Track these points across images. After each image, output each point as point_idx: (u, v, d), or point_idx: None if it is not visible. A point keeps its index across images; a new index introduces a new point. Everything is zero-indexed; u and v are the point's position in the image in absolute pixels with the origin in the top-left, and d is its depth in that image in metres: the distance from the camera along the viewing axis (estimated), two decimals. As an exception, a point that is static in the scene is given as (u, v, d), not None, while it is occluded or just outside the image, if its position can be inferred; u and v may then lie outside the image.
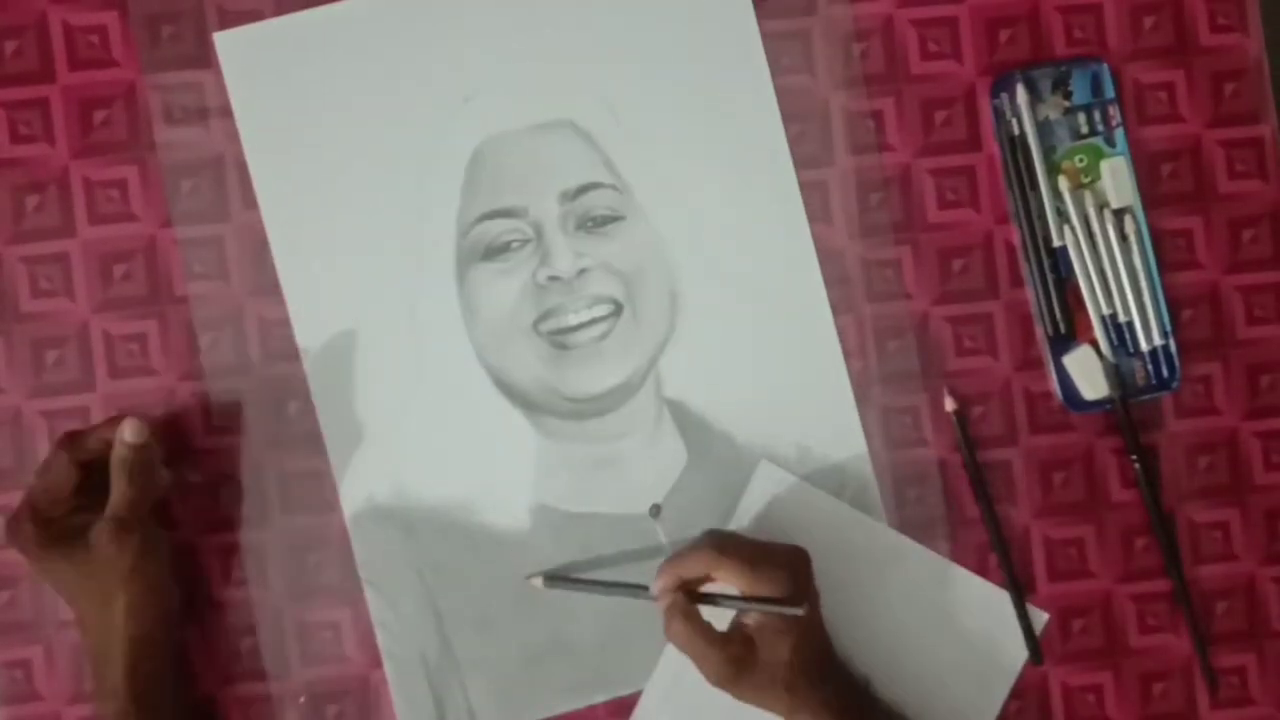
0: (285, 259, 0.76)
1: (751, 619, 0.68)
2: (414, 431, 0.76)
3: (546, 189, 0.76)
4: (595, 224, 0.76)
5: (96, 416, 0.75)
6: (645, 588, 0.71)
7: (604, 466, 0.77)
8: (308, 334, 0.76)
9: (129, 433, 0.69)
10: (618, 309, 0.76)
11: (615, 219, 0.76)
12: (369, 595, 0.75)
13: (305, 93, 0.76)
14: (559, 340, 0.76)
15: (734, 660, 0.67)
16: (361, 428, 0.76)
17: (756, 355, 0.77)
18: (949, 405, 0.76)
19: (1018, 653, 0.76)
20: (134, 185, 0.76)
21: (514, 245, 0.76)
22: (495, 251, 0.76)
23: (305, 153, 0.76)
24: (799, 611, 0.67)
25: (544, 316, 0.76)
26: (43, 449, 0.75)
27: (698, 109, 0.77)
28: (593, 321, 0.76)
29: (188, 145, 0.76)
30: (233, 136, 0.76)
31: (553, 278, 0.76)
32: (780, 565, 0.68)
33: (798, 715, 0.68)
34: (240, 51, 0.76)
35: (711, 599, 0.69)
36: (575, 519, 0.76)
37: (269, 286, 0.76)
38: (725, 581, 0.68)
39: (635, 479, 0.76)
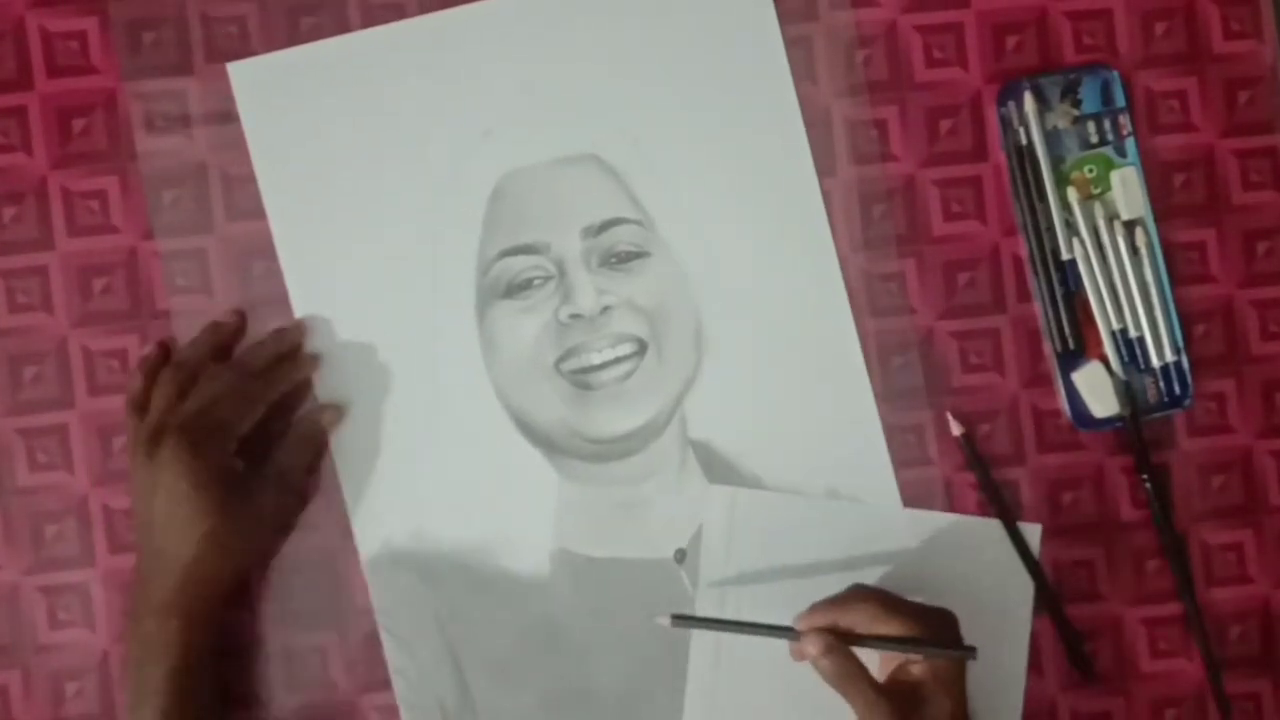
0: (302, 296, 0.74)
1: (917, 670, 0.65)
2: (432, 473, 0.74)
3: (569, 225, 0.74)
4: (619, 260, 0.74)
5: (75, 435, 0.73)
6: (790, 629, 0.66)
7: (627, 510, 0.74)
8: (325, 371, 0.74)
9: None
10: (642, 348, 0.74)
11: (639, 255, 0.74)
12: (385, 642, 0.73)
13: (321, 126, 0.74)
14: (581, 380, 0.74)
15: (899, 711, 0.64)
16: (378, 469, 0.73)
17: (784, 396, 0.74)
18: (955, 429, 0.74)
19: (1024, 584, 0.74)
20: (114, 196, 0.74)
21: (535, 282, 0.74)
22: (516, 289, 0.74)
23: (321, 188, 0.74)
24: (971, 656, 0.64)
25: (566, 355, 0.74)
26: (20, 468, 0.73)
27: (724, 142, 0.75)
28: (616, 361, 0.74)
29: (169, 155, 0.74)
30: (216, 146, 0.74)
31: (575, 316, 0.73)
32: (936, 623, 0.65)
33: None
34: (255, 83, 0.74)
35: (874, 642, 0.65)
36: (597, 564, 0.74)
37: (254, 300, 0.74)
38: (893, 633, 0.64)
39: (659, 523, 0.74)
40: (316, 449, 0.73)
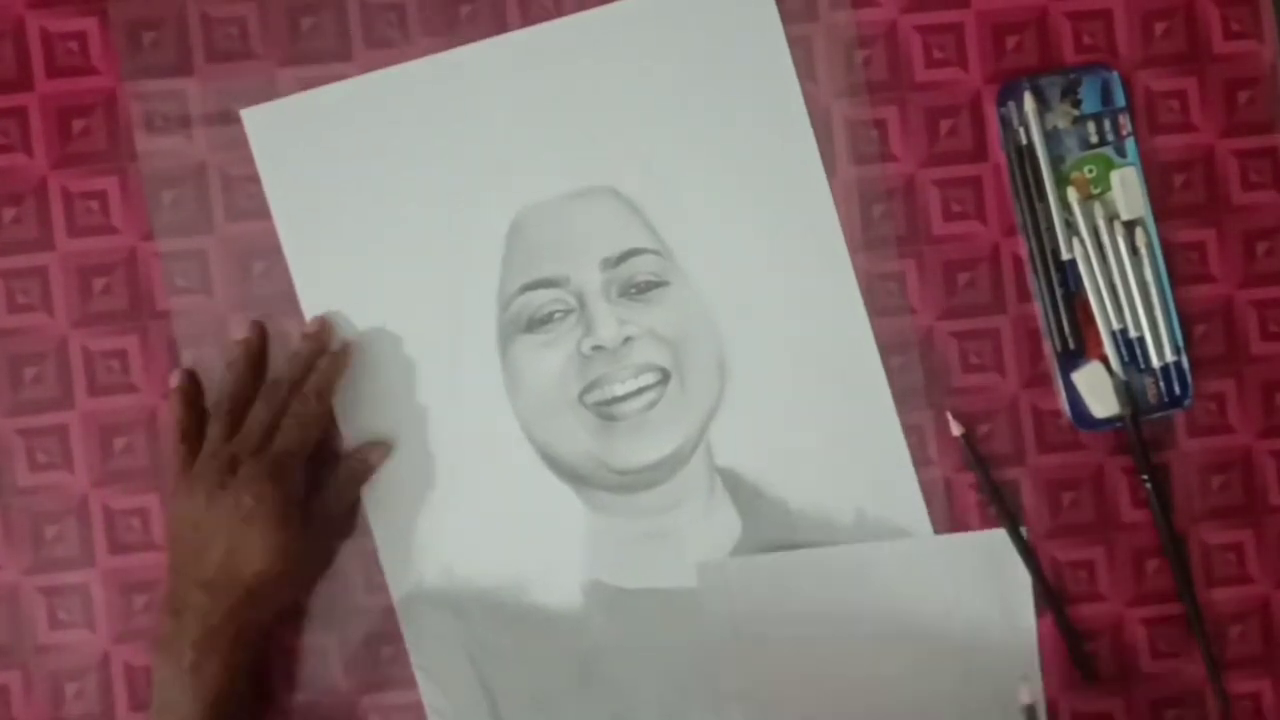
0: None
1: None
2: (461, 510, 0.74)
3: (588, 257, 0.74)
4: (639, 291, 0.74)
5: (76, 436, 0.73)
6: None
7: (656, 540, 0.74)
8: (352, 412, 0.73)
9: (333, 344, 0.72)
10: (665, 377, 0.74)
11: (659, 285, 0.74)
12: (420, 681, 0.73)
13: (336, 167, 0.74)
14: (606, 411, 0.74)
15: None
16: (407, 507, 0.73)
17: (809, 419, 0.74)
18: (955, 430, 0.74)
19: (1025, 589, 0.74)
20: (114, 196, 0.74)
21: (556, 316, 0.74)
22: (538, 323, 0.74)
23: (339, 229, 0.74)
24: None
25: (589, 387, 0.73)
26: (20, 468, 0.73)
27: (739, 169, 0.75)
28: (640, 391, 0.74)
29: (169, 155, 0.74)
30: (216, 146, 0.74)
31: (597, 347, 0.73)
32: None
33: None
34: (269, 126, 0.74)
35: None
36: (629, 595, 0.74)
37: (253, 300, 0.74)
38: None
39: (689, 551, 0.74)
40: (361, 485, 0.73)
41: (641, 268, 0.74)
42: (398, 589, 0.73)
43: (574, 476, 0.74)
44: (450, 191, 0.74)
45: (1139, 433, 0.74)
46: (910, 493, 0.74)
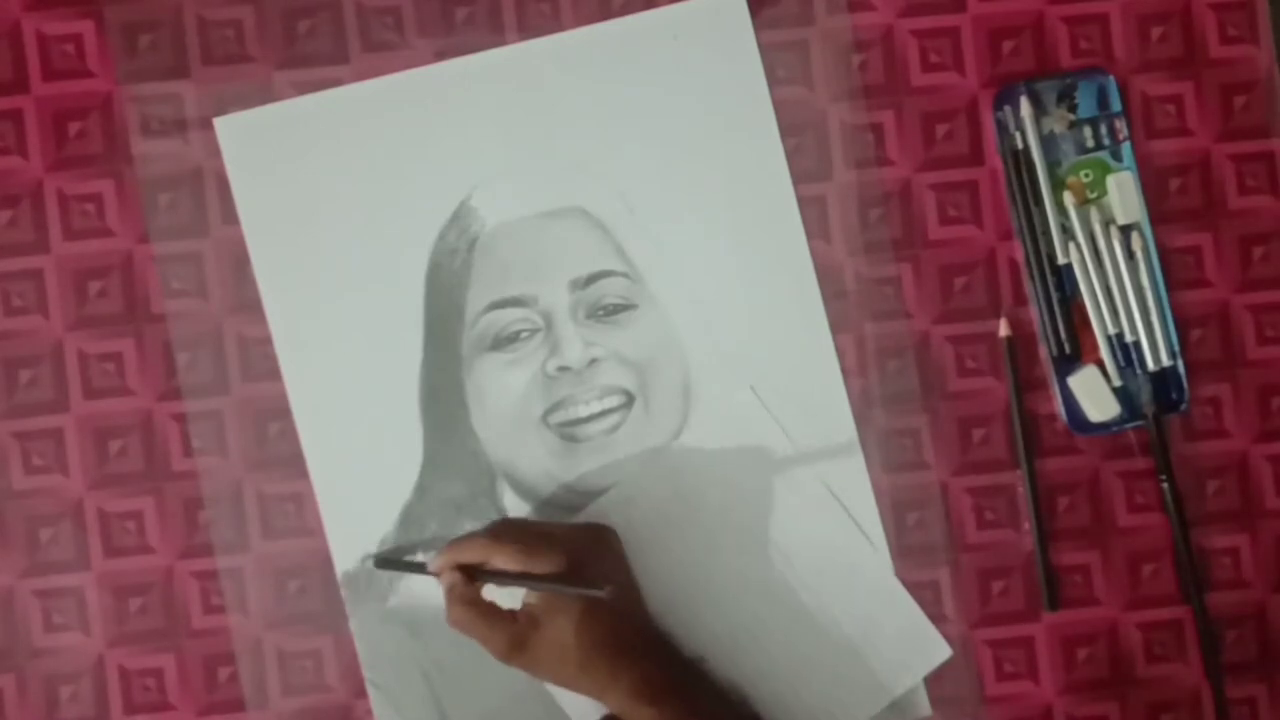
0: (289, 349, 0.74)
1: (533, 598, 0.67)
2: (419, 525, 0.74)
3: (556, 277, 0.74)
4: (606, 313, 0.74)
5: (71, 439, 0.73)
6: (424, 565, 0.69)
7: None
8: (311, 429, 0.73)
9: None
10: (629, 400, 0.74)
11: (627, 308, 0.74)
12: (373, 696, 0.73)
13: (308, 179, 0.74)
14: (569, 433, 0.74)
15: (515, 638, 0.66)
16: (365, 521, 0.73)
17: (771, 445, 0.74)
18: (1003, 330, 0.74)
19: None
20: (110, 199, 0.74)
21: (523, 335, 0.74)
22: (504, 341, 0.74)
23: (309, 241, 0.74)
24: (594, 592, 0.64)
25: (554, 408, 0.74)
26: (15, 471, 0.73)
27: (711, 195, 0.75)
28: (604, 413, 0.74)
29: (166, 158, 0.74)
30: (212, 150, 0.74)
31: (563, 368, 0.73)
32: (559, 548, 0.67)
33: (606, 695, 0.67)
34: (241, 137, 0.74)
35: (493, 577, 0.67)
36: None
37: (249, 303, 0.74)
38: (502, 565, 0.67)
39: None
40: None
41: (610, 290, 0.74)
42: (353, 606, 0.73)
43: (533, 496, 0.74)
44: (421, 207, 0.74)
45: (1161, 434, 0.74)
46: (873, 521, 0.74)
